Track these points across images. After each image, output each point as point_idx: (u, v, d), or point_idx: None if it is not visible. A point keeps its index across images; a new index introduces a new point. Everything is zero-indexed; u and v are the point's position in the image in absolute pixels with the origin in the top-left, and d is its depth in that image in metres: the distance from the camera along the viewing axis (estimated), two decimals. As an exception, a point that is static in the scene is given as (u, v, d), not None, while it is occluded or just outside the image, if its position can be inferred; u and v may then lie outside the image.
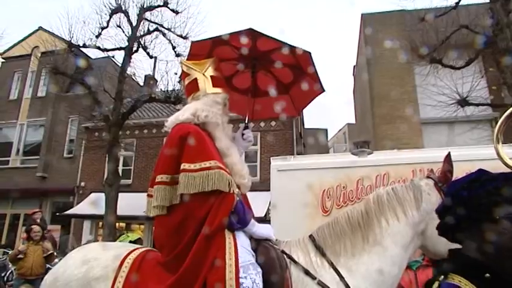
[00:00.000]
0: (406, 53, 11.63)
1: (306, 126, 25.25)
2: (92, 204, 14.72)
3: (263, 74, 2.80)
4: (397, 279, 2.13)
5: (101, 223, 14.90)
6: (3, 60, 21.09)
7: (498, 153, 1.58)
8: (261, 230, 2.17)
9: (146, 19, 13.34)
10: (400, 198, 2.18)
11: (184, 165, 2.01)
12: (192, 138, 2.06)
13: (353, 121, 26.31)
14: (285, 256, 2.13)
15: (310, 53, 2.55)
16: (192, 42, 2.73)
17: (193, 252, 1.92)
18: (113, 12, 13.09)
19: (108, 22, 13.09)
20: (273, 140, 15.64)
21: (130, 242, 4.59)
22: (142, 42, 13.11)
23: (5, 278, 9.76)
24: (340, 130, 37.12)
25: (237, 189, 2.11)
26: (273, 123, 16.07)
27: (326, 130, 30.92)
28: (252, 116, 2.87)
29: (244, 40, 2.48)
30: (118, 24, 13.08)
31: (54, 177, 17.68)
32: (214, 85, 2.34)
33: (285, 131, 16.07)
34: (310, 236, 2.24)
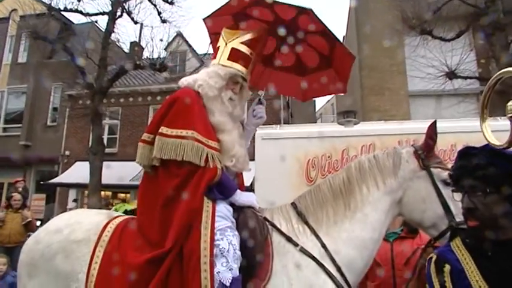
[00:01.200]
0: (397, 24, 11.44)
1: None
2: (77, 173, 14.58)
3: (288, 47, 2.58)
4: (377, 245, 2.15)
5: (86, 192, 14.84)
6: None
7: (484, 134, 1.55)
8: (243, 197, 2.15)
9: (130, -18, 12.78)
10: (380, 165, 2.17)
11: (162, 129, 2.01)
12: (178, 104, 2.06)
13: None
14: (267, 223, 2.12)
15: (354, 57, 2.45)
16: (205, 20, 2.54)
17: (176, 231, 1.89)
18: (95, -27, 12.50)
19: (90, -16, 12.53)
20: (261, 110, 15.48)
21: (126, 210, 4.56)
22: (126, 7, 12.60)
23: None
24: (328, 101, 37.06)
25: (220, 164, 2.06)
26: (260, 92, 15.82)
27: (314, 101, 30.78)
28: (257, 85, 2.71)
29: (288, 11, 2.32)
30: (100, -14, 12.50)
31: (38, 146, 17.37)
32: (230, 58, 2.20)
33: (272, 100, 15.93)
34: (292, 204, 2.24)
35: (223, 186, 2.06)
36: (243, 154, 2.22)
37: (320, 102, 36.95)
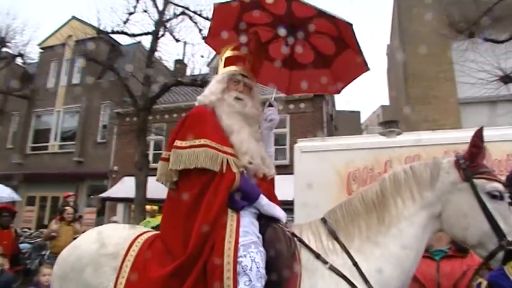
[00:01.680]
0: (443, 28, 10.89)
1: (337, 109, 24.69)
2: (125, 187, 15.11)
3: (302, 43, 2.59)
4: (414, 263, 1.96)
5: (133, 206, 15.33)
6: (41, 50, 21.81)
7: None
8: (270, 206, 2.05)
9: (172, 2, 13.27)
10: (417, 177, 1.99)
11: (176, 142, 2.05)
12: (189, 119, 2.12)
13: (387, 103, 25.44)
14: (295, 239, 2.01)
15: (351, 25, 2.31)
16: (215, 6, 2.57)
17: (194, 238, 1.85)
18: (140, -3, 13.11)
19: (135, 7, 13.14)
20: (303, 123, 15.35)
21: (152, 228, 4.60)
22: (168, 26, 13.08)
23: (46, 257, 10.25)
24: (373, 112, 36.10)
25: (238, 168, 2.00)
26: (302, 105, 15.76)
27: (359, 112, 30.13)
28: (288, 91, 2.81)
29: (278, 3, 2.33)
30: (144, 9, 13.10)
31: (90, 162, 18.33)
32: (225, 66, 2.31)
33: (315, 113, 15.72)
34: (322, 218, 2.11)
35: (244, 191, 1.98)
36: (257, 150, 2.14)
37: (365, 113, 36.05)
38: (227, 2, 2.44)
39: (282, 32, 2.46)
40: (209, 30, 2.66)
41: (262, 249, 1.89)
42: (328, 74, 2.67)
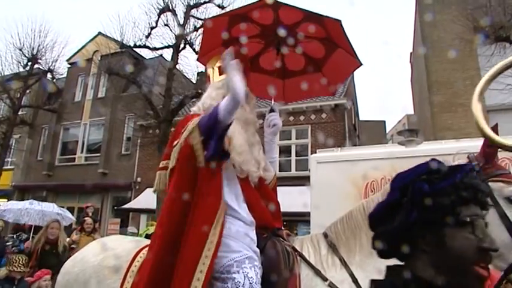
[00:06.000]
0: (467, 34, 10.56)
1: (361, 119, 24.28)
2: (147, 199, 15.25)
3: (291, 50, 2.58)
4: None
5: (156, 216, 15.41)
6: (69, 66, 22.60)
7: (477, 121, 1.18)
8: (227, 101, 1.77)
9: (193, 16, 13.48)
10: None
11: (167, 150, 2.06)
12: (177, 125, 2.11)
13: (412, 112, 24.83)
14: (296, 253, 1.94)
15: (340, 21, 2.28)
16: (205, 20, 2.65)
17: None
18: (161, 11, 13.40)
19: (156, 22, 13.43)
20: (324, 133, 15.14)
21: (147, 235, 4.67)
22: (188, 39, 13.26)
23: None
24: (399, 122, 35.33)
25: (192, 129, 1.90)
26: (324, 115, 15.57)
27: (384, 122, 29.55)
28: (285, 99, 2.81)
29: (265, 13, 2.34)
30: (165, 23, 13.35)
31: (114, 174, 18.66)
32: (220, 74, 2.26)
33: (337, 123, 15.48)
34: (324, 233, 2.05)
35: (205, 126, 1.79)
36: (250, 152, 2.04)
37: (390, 123, 35.35)
38: (215, 16, 2.46)
39: (271, 41, 2.46)
40: (200, 48, 2.71)
41: (257, 263, 1.81)
42: (320, 77, 2.65)
